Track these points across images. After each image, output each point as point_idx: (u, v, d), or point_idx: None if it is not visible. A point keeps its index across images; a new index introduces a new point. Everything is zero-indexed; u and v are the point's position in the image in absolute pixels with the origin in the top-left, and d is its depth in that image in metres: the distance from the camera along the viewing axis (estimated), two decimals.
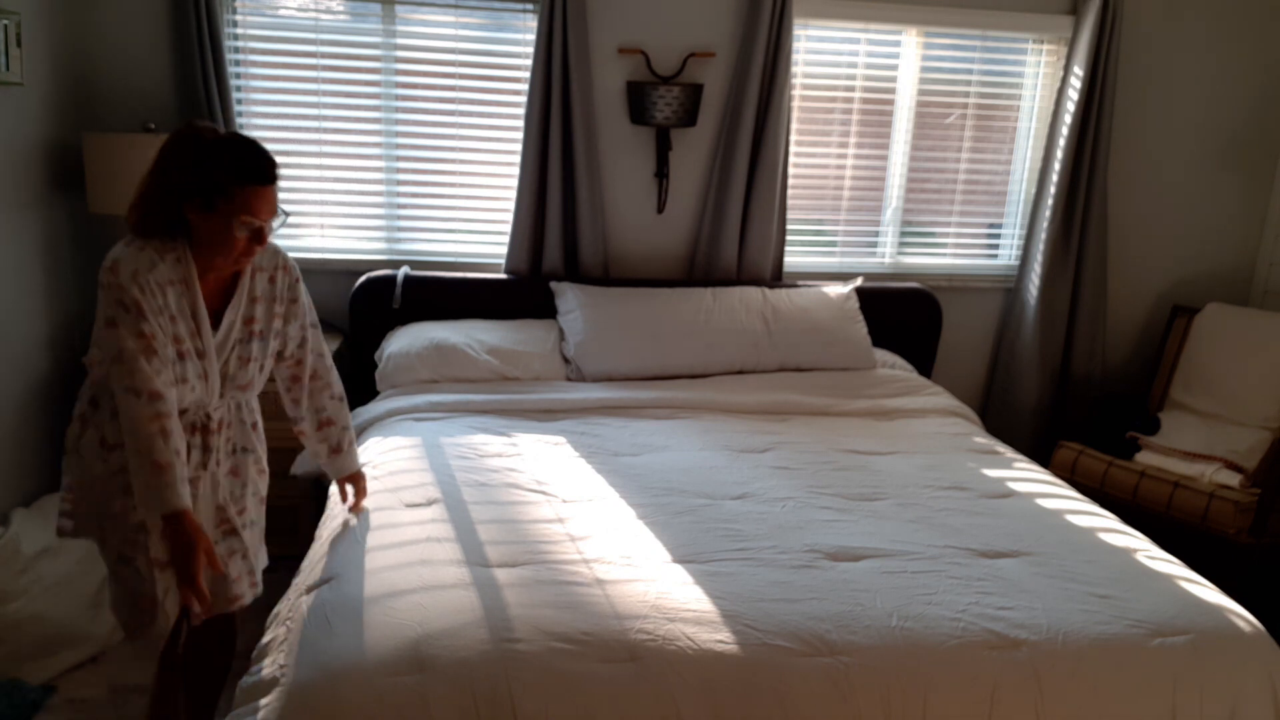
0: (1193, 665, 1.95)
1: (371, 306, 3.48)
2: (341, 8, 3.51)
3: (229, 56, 3.39)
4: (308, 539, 2.49)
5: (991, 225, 4.18)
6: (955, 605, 2.01)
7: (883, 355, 3.67)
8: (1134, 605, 2.06)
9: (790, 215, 3.86)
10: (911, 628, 1.93)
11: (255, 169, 1.91)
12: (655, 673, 1.77)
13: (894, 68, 3.88)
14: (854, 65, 3.86)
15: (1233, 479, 3.31)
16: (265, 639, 1.99)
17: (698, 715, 1.75)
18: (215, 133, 1.93)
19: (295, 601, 2.00)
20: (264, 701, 1.76)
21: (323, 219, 3.67)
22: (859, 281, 3.80)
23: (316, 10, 3.49)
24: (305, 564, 2.20)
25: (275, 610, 2.06)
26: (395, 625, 1.81)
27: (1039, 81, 4.00)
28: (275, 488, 3.19)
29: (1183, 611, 2.06)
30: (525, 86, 3.54)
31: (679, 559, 2.14)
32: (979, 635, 1.93)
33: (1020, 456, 2.98)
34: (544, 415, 3.05)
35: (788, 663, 1.82)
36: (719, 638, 1.85)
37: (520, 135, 3.55)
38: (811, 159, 3.92)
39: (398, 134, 3.63)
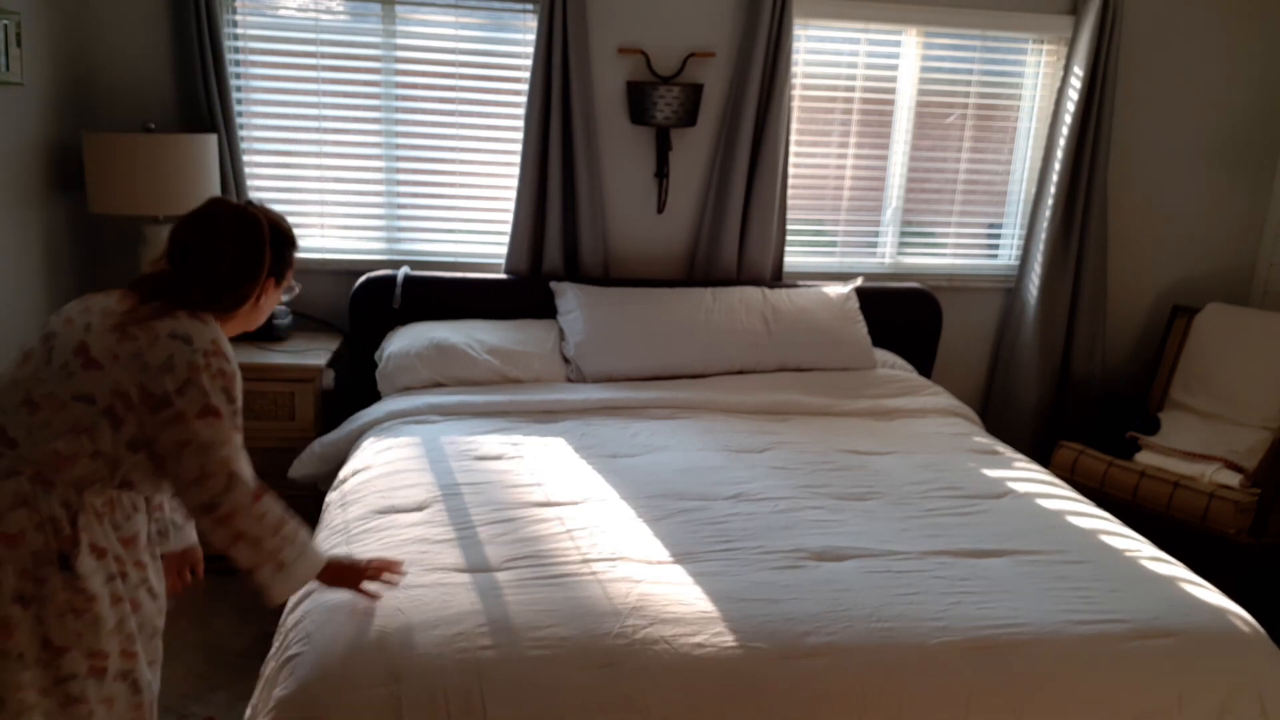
0: (1175, 666, 1.94)
1: (371, 306, 3.48)
2: (341, 8, 3.51)
3: (229, 56, 3.39)
4: None
5: (991, 225, 4.18)
6: (937, 606, 2.01)
7: (883, 355, 3.67)
8: (1119, 606, 2.06)
9: (790, 215, 3.85)
10: (890, 628, 1.92)
11: (293, 234, 1.95)
12: (630, 678, 1.77)
13: (894, 68, 3.88)
14: (854, 65, 3.86)
15: (1233, 479, 3.31)
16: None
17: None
18: (255, 206, 1.90)
19: (285, 618, 2.00)
20: None
21: (323, 219, 3.67)
22: (859, 281, 3.80)
23: (316, 10, 3.49)
24: None
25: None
26: (374, 634, 1.80)
27: (1039, 81, 4.00)
28: (273, 489, 3.21)
29: (1168, 612, 2.05)
30: (525, 86, 3.54)
31: (667, 560, 2.13)
32: (958, 636, 1.92)
33: (1020, 456, 2.98)
34: (544, 416, 3.05)
35: (764, 665, 1.82)
36: (697, 640, 1.85)
37: (520, 135, 3.55)
38: (811, 159, 3.92)
39: (398, 134, 3.63)
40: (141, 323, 1.69)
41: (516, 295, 3.59)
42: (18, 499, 1.63)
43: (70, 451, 1.65)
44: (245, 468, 1.73)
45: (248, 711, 1.86)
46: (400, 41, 3.54)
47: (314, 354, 3.32)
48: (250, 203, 1.91)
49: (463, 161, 3.69)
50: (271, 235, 1.85)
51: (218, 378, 1.69)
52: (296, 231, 3.69)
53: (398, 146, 3.64)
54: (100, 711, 1.69)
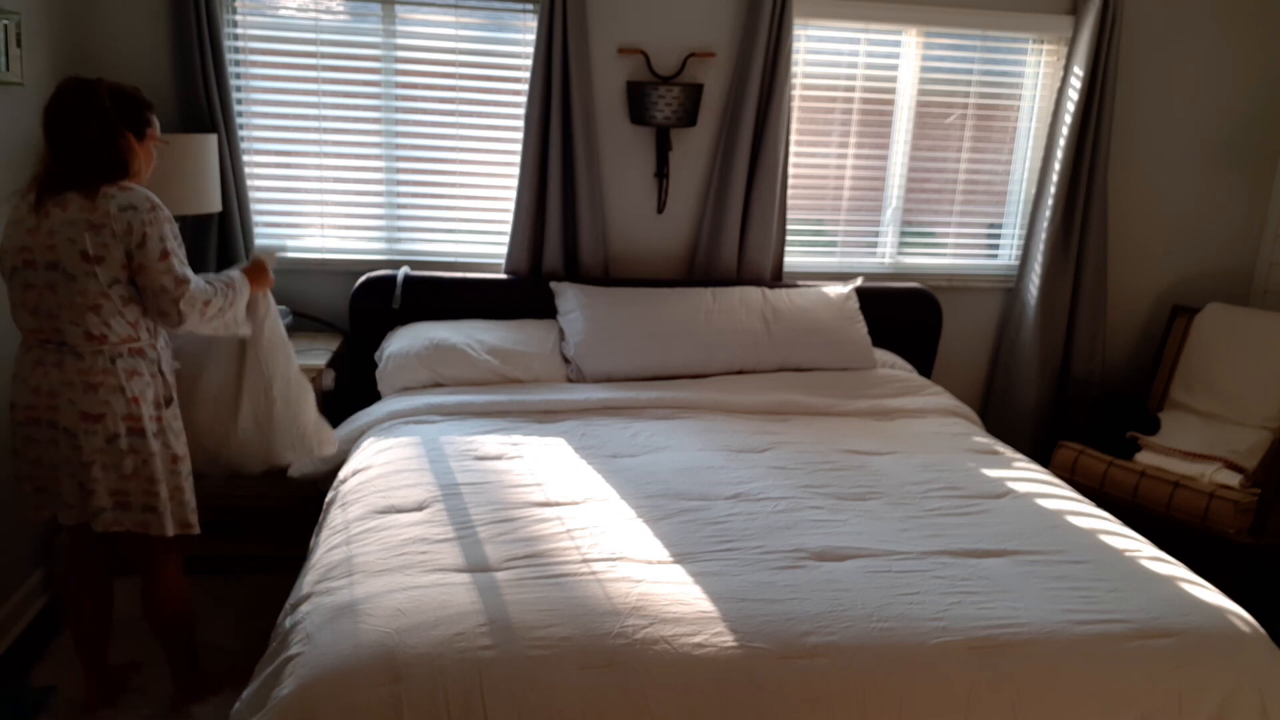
0: (1176, 666, 1.94)
1: (371, 306, 3.48)
2: (341, 8, 3.51)
3: (229, 56, 3.39)
4: (305, 538, 2.49)
5: (991, 225, 4.18)
6: (937, 606, 2.01)
7: (883, 355, 3.67)
8: (1119, 606, 2.06)
9: (790, 215, 3.86)
10: (891, 628, 1.92)
11: (141, 94, 2.36)
12: (631, 678, 1.77)
13: (894, 68, 3.88)
14: (854, 65, 3.86)
15: (1233, 479, 3.31)
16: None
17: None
18: (98, 80, 2.29)
19: (282, 619, 2.00)
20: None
21: (323, 219, 3.67)
22: (859, 281, 3.80)
23: (316, 10, 3.49)
24: (300, 579, 2.19)
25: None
26: (374, 634, 1.80)
27: (1039, 81, 4.00)
28: (273, 489, 3.22)
29: (1168, 612, 2.05)
30: (525, 86, 3.54)
31: (667, 560, 2.14)
32: (958, 636, 1.92)
33: (1020, 456, 2.98)
34: (544, 416, 3.05)
35: (765, 665, 1.82)
36: (698, 640, 1.85)
37: (520, 135, 3.55)
38: (811, 159, 3.92)
39: (398, 134, 3.63)
40: (98, 214, 2.17)
41: (516, 295, 3.59)
42: (130, 371, 2.25)
43: (134, 318, 2.25)
44: (191, 295, 2.25)
45: (236, 706, 1.86)
46: (400, 41, 3.54)
47: (314, 354, 3.32)
48: (99, 79, 2.28)
49: (463, 161, 3.69)
50: (112, 96, 2.25)
51: (163, 224, 2.22)
52: (297, 231, 3.73)
53: (398, 146, 3.64)
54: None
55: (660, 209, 3.77)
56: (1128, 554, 2.31)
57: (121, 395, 2.23)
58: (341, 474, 2.67)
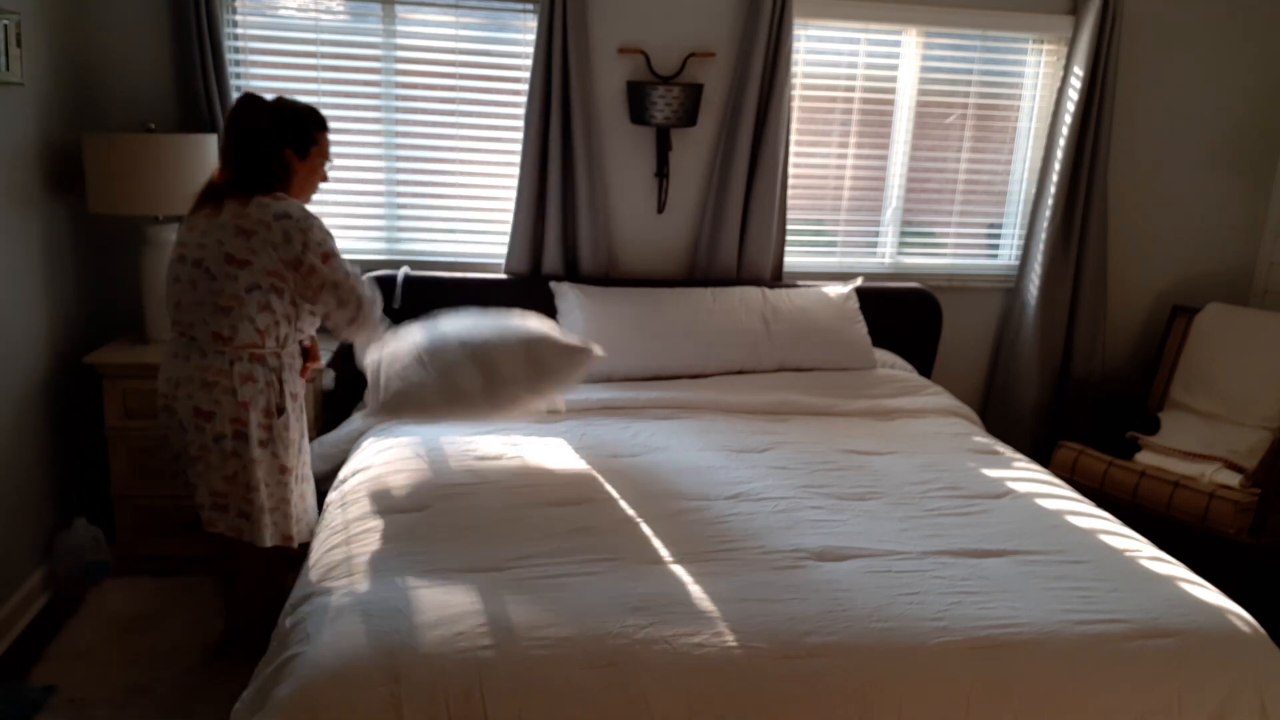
0: (1175, 666, 1.94)
1: None
2: (341, 8, 3.51)
3: (229, 56, 3.39)
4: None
5: (991, 225, 4.18)
6: (937, 606, 2.01)
7: (883, 355, 3.67)
8: (1119, 606, 2.06)
9: (790, 215, 3.86)
10: (891, 628, 1.93)
11: (309, 112, 2.45)
12: (631, 678, 1.77)
13: (894, 68, 3.88)
14: (854, 65, 3.86)
15: (1233, 479, 3.31)
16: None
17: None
18: (276, 98, 2.42)
19: (282, 619, 2.00)
20: None
21: (323, 219, 3.65)
22: (859, 281, 3.80)
23: (316, 10, 3.49)
24: (300, 579, 2.19)
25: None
26: (374, 634, 1.80)
27: (1039, 81, 4.00)
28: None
29: (1168, 612, 2.05)
30: (525, 86, 3.54)
31: (667, 560, 2.14)
32: (959, 636, 1.92)
33: (1019, 456, 2.98)
34: (544, 415, 3.05)
35: (765, 665, 1.82)
36: (698, 640, 1.85)
37: (520, 135, 3.55)
38: (811, 159, 3.92)
39: (398, 134, 3.63)
40: (249, 220, 2.28)
41: (516, 295, 3.59)
42: (245, 376, 2.32)
43: (265, 325, 2.33)
44: (361, 284, 2.45)
45: (236, 706, 1.85)
46: (400, 41, 3.54)
47: None
48: (277, 98, 2.41)
49: (463, 161, 3.69)
50: (274, 112, 2.38)
51: (318, 230, 2.35)
52: None
53: (398, 146, 3.64)
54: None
55: (660, 209, 3.77)
56: (1128, 554, 2.32)
57: (233, 397, 2.32)
58: (341, 474, 2.67)
